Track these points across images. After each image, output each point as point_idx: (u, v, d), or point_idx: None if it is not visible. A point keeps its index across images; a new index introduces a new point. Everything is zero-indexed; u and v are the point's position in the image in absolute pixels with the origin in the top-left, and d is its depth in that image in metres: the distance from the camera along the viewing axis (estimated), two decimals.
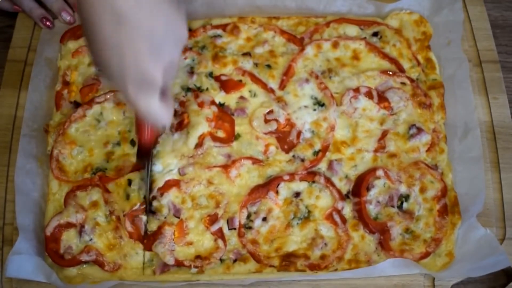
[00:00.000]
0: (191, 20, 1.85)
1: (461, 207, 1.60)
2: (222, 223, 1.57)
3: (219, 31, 1.83)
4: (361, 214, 1.58)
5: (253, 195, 1.60)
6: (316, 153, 1.67)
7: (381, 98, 1.74)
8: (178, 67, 1.56)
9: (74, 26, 1.82)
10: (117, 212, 1.55)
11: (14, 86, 1.77)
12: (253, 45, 1.81)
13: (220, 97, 1.73)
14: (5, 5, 1.87)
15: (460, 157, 1.67)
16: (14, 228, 1.56)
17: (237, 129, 1.68)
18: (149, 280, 1.51)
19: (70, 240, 1.54)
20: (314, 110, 1.72)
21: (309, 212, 1.59)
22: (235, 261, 1.54)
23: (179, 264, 1.52)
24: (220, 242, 1.54)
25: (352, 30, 1.85)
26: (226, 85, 1.74)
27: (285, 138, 1.69)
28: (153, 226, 1.56)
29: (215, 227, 1.56)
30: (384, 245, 1.55)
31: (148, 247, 1.54)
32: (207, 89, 1.73)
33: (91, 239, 1.53)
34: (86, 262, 1.52)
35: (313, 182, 1.62)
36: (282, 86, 1.75)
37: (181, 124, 1.68)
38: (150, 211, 1.57)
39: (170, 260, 1.51)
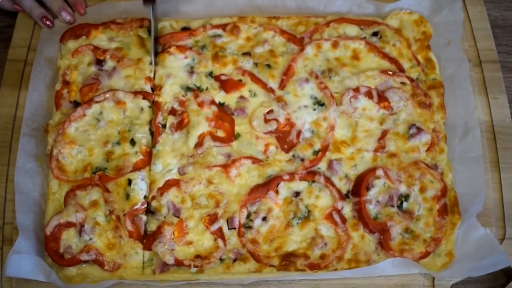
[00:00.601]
0: (191, 19, 1.86)
1: (461, 207, 1.60)
2: (222, 223, 1.57)
3: (219, 31, 1.83)
4: (361, 214, 1.58)
5: (253, 194, 1.60)
6: (316, 152, 1.67)
7: (381, 98, 1.74)
8: None
9: (74, 25, 1.82)
10: (117, 211, 1.55)
11: (14, 85, 1.77)
12: (253, 44, 1.81)
13: (220, 96, 1.73)
14: (6, 4, 1.87)
15: (460, 157, 1.67)
16: (14, 228, 1.56)
17: (237, 128, 1.68)
18: (149, 280, 1.51)
19: (70, 239, 1.54)
20: (314, 109, 1.72)
21: (309, 211, 1.59)
22: (235, 260, 1.54)
23: (178, 263, 1.51)
24: (220, 241, 1.54)
25: (352, 30, 1.84)
26: (226, 85, 1.74)
27: (285, 138, 1.68)
28: (152, 226, 1.56)
29: (215, 227, 1.56)
30: (384, 244, 1.55)
31: (147, 247, 1.54)
32: (207, 88, 1.73)
33: (91, 239, 1.53)
34: (85, 262, 1.52)
35: (313, 181, 1.62)
36: (282, 86, 1.75)
37: (181, 123, 1.68)
38: (149, 210, 1.57)
39: (170, 260, 1.51)
